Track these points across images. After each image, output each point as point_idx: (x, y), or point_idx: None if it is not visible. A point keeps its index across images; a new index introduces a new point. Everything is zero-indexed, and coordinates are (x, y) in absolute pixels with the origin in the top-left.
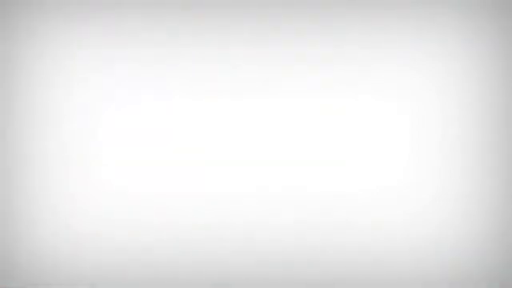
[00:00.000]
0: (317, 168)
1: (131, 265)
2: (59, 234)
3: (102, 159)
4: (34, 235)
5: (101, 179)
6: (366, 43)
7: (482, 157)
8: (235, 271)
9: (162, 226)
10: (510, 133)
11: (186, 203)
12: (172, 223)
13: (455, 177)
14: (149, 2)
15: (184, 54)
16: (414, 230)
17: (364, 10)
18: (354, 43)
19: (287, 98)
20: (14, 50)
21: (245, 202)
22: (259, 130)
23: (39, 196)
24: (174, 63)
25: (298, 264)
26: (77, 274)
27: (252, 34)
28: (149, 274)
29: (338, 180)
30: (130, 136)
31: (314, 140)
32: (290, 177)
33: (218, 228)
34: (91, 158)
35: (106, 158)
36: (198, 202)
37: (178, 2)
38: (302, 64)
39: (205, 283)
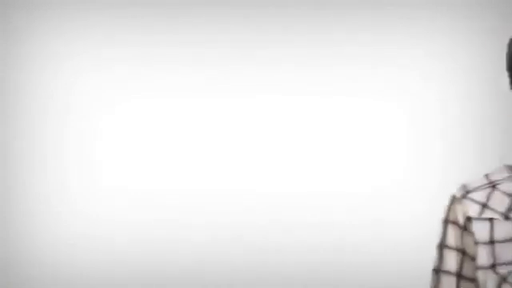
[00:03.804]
0: (316, 168)
1: (131, 265)
2: (59, 234)
3: (102, 159)
4: (33, 235)
5: (101, 179)
6: (365, 43)
7: (482, 157)
8: (235, 271)
9: (163, 227)
10: (511, 133)
11: (187, 203)
12: (173, 223)
13: (455, 177)
14: (149, 2)
15: (184, 53)
16: (414, 230)
17: (364, 10)
18: (354, 43)
19: (286, 98)
20: (14, 50)
21: (244, 201)
22: (259, 130)
23: (39, 196)
24: (174, 63)
25: (298, 264)
26: (77, 274)
27: (252, 34)
28: (149, 275)
29: (338, 180)
30: (130, 136)
31: (313, 140)
32: (289, 176)
33: (220, 228)
34: (91, 158)
35: (106, 158)
36: (198, 204)
37: (179, 2)
38: (301, 64)
39: (206, 284)
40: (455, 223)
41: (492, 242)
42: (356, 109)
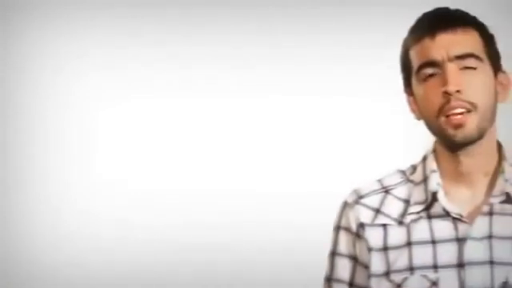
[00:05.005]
0: (316, 168)
1: (132, 265)
2: (59, 234)
3: (103, 159)
4: (33, 235)
5: (102, 179)
6: (365, 43)
7: None
8: (235, 271)
9: (164, 227)
10: (510, 133)
11: (187, 203)
12: (173, 223)
13: None
14: (149, 2)
15: (184, 53)
16: None
17: (364, 11)
18: (354, 43)
19: (285, 99)
20: (14, 50)
21: (243, 201)
22: (259, 130)
23: (39, 196)
24: (174, 63)
25: (299, 264)
26: (77, 274)
27: (252, 34)
28: (149, 275)
29: (335, 180)
30: (130, 136)
31: (312, 140)
32: (290, 176)
33: (220, 228)
34: (91, 158)
35: (106, 158)
36: (198, 204)
37: (179, 2)
38: (298, 64)
39: (206, 283)
40: (347, 230)
41: (386, 248)
42: (355, 109)
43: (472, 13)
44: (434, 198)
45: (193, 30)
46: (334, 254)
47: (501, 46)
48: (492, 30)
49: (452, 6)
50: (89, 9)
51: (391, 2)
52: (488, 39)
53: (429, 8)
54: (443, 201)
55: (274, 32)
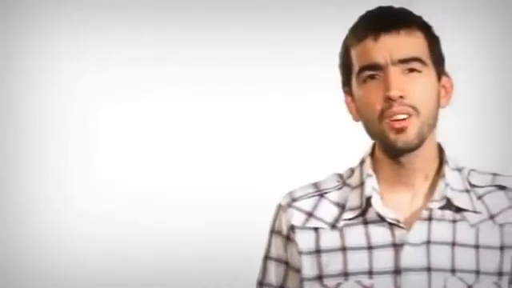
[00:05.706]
0: (315, 168)
1: (132, 265)
2: (59, 234)
3: (103, 159)
4: (33, 235)
5: (102, 179)
6: None
7: (478, 158)
8: (235, 271)
9: (163, 227)
10: (510, 134)
11: (187, 203)
12: (173, 223)
13: None
14: (149, 2)
15: (185, 53)
16: None
17: (361, 9)
18: None
19: (284, 99)
20: (14, 50)
21: (242, 201)
22: (257, 130)
23: (39, 196)
24: (175, 63)
25: None
26: (77, 274)
27: (252, 34)
28: (150, 275)
29: None
30: (131, 136)
31: (310, 140)
32: (288, 176)
33: (221, 228)
34: (91, 158)
35: (106, 158)
36: (198, 204)
37: (179, 2)
38: (298, 64)
39: (206, 284)
40: (279, 233)
41: (317, 251)
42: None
43: (471, 12)
44: (368, 203)
45: (193, 30)
46: (266, 257)
47: (500, 44)
48: (436, 30)
49: (452, 5)
50: (89, 9)
51: (391, 3)
52: (433, 41)
53: (429, 8)
54: (378, 206)
55: (274, 32)
